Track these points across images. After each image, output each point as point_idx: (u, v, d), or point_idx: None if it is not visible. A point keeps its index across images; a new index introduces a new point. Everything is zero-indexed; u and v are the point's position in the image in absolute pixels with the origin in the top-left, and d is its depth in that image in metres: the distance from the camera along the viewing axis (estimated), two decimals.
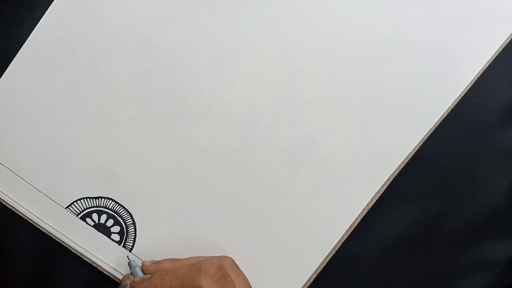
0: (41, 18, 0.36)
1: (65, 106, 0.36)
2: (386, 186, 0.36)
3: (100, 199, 0.36)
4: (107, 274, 0.36)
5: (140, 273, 0.34)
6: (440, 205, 0.37)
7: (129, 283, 0.34)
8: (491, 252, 0.38)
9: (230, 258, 0.35)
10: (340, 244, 0.36)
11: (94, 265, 0.36)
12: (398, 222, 0.37)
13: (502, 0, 0.35)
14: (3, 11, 0.36)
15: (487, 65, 0.36)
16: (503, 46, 0.36)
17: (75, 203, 0.36)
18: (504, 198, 0.37)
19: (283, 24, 0.35)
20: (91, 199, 0.36)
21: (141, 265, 0.35)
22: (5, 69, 0.36)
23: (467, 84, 0.36)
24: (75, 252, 0.36)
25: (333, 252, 0.36)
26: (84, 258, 0.36)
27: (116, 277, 0.36)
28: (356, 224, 0.36)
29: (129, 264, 0.35)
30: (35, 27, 0.36)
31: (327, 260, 0.36)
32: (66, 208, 0.36)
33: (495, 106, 0.36)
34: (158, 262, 0.35)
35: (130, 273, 0.34)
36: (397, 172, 0.36)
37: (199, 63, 0.35)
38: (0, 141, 0.36)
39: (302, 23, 0.35)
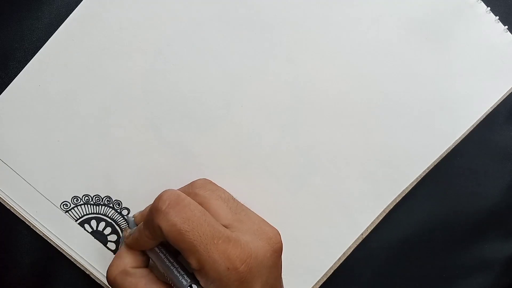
0: (41, 18, 0.35)
1: (76, 112, 0.35)
2: (395, 203, 0.36)
3: (100, 206, 0.36)
4: (99, 282, 0.36)
5: (135, 226, 0.33)
6: (440, 205, 0.37)
7: (126, 235, 0.32)
8: (491, 252, 0.38)
9: (202, 178, 0.33)
10: (344, 257, 0.36)
11: (87, 272, 0.36)
12: (398, 222, 0.37)
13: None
14: (3, 11, 0.36)
15: None
16: None
17: (75, 209, 0.36)
18: (504, 198, 0.37)
19: (296, 53, 0.36)
20: (91, 206, 0.36)
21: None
22: (5, 69, 0.35)
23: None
24: (69, 258, 0.36)
25: (337, 265, 0.36)
26: (77, 264, 0.36)
27: (107, 286, 0.36)
28: (362, 238, 0.36)
29: (127, 220, 0.34)
30: (35, 27, 0.35)
31: (330, 272, 0.36)
32: (66, 212, 0.36)
33: (495, 106, 0.36)
34: (143, 210, 0.33)
35: (129, 227, 0.33)
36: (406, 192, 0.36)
37: (211, 83, 0.36)
38: (8, 143, 0.35)
39: (315, 55, 0.36)
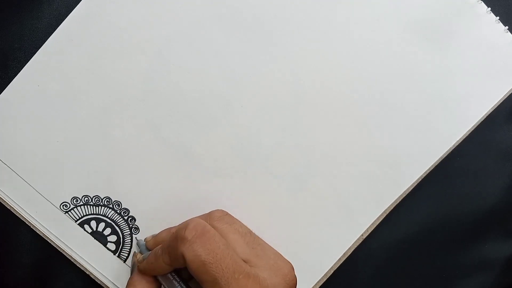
0: (41, 18, 0.35)
1: (76, 112, 0.35)
2: (395, 204, 0.36)
3: (100, 207, 0.36)
4: (99, 282, 0.36)
5: (146, 250, 0.33)
6: (440, 205, 0.37)
7: (136, 261, 0.33)
8: (491, 252, 0.38)
9: (220, 210, 0.33)
10: (345, 257, 0.36)
11: (87, 273, 0.36)
12: (398, 222, 0.37)
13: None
14: (3, 11, 0.36)
15: None
16: None
17: (75, 209, 0.36)
18: (504, 198, 0.37)
19: (296, 53, 0.36)
20: (91, 206, 0.36)
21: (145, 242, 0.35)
22: (5, 69, 0.35)
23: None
24: (69, 258, 0.36)
25: (337, 266, 0.36)
26: (77, 265, 0.36)
27: (107, 286, 0.36)
28: (362, 239, 0.36)
29: (137, 244, 0.34)
30: (35, 27, 0.35)
31: (330, 273, 0.36)
32: (65, 213, 0.36)
33: (496, 106, 0.36)
34: (157, 235, 0.34)
35: (139, 252, 0.34)
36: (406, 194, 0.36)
37: (211, 83, 0.35)
38: (8, 143, 0.35)
39: (315, 55, 0.36)
